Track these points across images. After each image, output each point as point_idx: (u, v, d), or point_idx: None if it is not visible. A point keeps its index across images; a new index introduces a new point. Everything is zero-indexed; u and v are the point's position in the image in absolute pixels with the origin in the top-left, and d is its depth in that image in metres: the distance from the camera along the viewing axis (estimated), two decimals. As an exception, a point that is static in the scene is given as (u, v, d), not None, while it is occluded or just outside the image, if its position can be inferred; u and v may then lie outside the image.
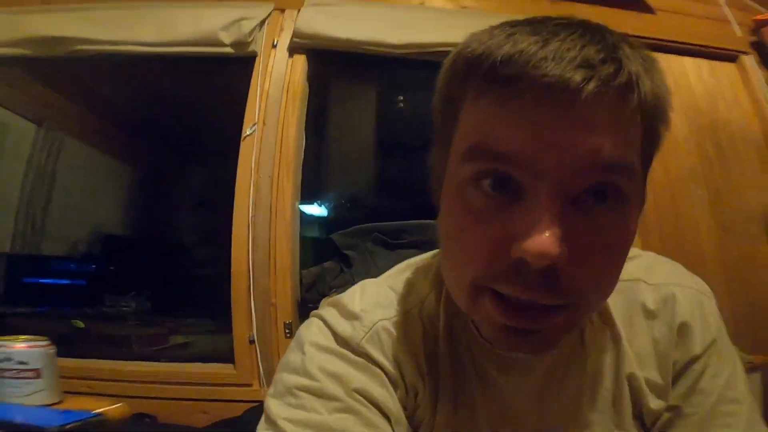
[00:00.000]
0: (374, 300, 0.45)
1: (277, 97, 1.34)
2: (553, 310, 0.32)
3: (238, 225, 1.24)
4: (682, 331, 0.44)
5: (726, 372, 0.44)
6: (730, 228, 1.55)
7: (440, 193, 0.38)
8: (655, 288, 0.46)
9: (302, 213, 1.41)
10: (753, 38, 1.69)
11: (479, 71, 0.31)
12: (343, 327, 0.42)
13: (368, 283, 0.49)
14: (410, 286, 0.47)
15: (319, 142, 1.50)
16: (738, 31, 1.68)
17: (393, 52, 1.39)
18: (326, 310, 0.45)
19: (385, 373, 0.40)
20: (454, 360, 0.43)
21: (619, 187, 0.31)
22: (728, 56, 1.67)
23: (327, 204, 1.55)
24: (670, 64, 1.59)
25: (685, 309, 0.45)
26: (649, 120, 0.33)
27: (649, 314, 0.45)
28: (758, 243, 1.57)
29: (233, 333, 1.22)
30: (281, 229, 1.26)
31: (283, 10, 1.43)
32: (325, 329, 0.43)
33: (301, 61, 1.40)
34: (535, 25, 0.31)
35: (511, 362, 0.42)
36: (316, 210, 1.53)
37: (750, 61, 1.64)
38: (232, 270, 1.22)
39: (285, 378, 0.40)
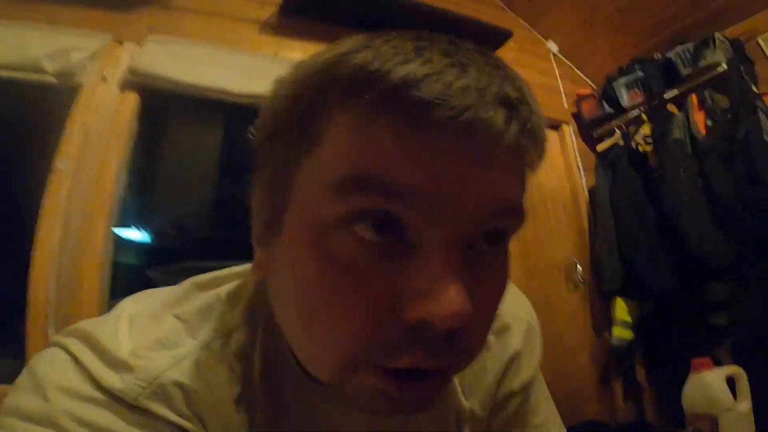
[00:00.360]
0: (152, 338, 0.35)
1: (99, 133, 1.28)
2: (444, 372, 0.29)
3: (40, 255, 1.21)
4: (510, 364, 0.44)
5: (534, 400, 0.47)
6: (534, 275, 1.81)
7: (274, 237, 0.30)
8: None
9: (125, 240, 1.38)
10: (574, 110, 1.93)
11: (376, 85, 0.25)
12: (109, 378, 0.32)
13: (138, 310, 0.37)
14: (207, 313, 0.37)
15: (153, 165, 1.47)
16: (565, 102, 1.91)
17: (237, 101, 1.36)
18: (76, 345, 0.33)
19: (181, 431, 0.33)
20: (273, 402, 0.37)
21: (509, 232, 0.29)
22: (553, 125, 1.90)
23: (154, 232, 1.53)
24: None
25: (517, 342, 0.45)
26: (537, 166, 0.30)
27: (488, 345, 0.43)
28: (558, 287, 1.85)
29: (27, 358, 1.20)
30: (90, 261, 1.24)
31: (121, 42, 1.36)
32: (79, 371, 0.32)
33: (132, 98, 1.34)
34: (443, 44, 0.27)
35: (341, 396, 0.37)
36: (139, 236, 1.50)
37: (569, 130, 1.88)
38: (29, 299, 1.18)
39: (20, 427, 0.29)
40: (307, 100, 0.28)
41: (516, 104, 0.26)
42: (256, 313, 0.37)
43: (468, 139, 0.25)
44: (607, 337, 1.84)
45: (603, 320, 1.86)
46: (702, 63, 1.78)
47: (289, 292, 0.29)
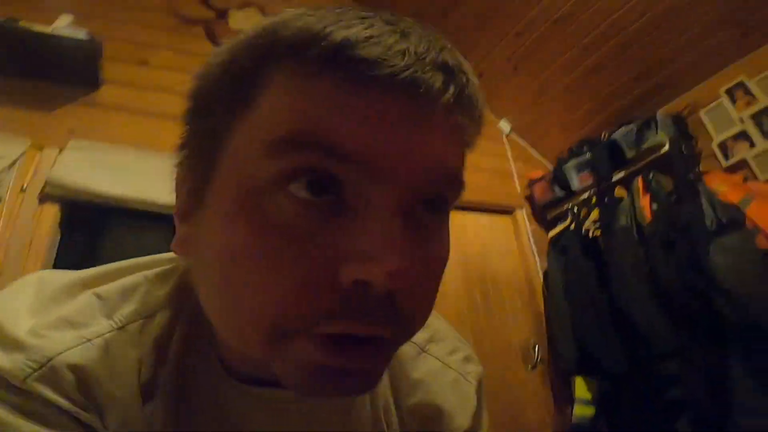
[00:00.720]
0: (59, 314, 0.33)
1: (19, 248, 1.17)
2: (384, 341, 0.26)
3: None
4: (435, 413, 0.43)
5: None
6: (492, 357, 1.78)
7: (199, 208, 0.29)
8: (425, 357, 0.44)
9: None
10: (527, 192, 1.95)
11: (318, 45, 0.24)
12: None
13: (53, 279, 0.35)
14: (131, 293, 0.35)
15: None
16: (518, 185, 1.92)
17: (165, 212, 1.27)
18: None
19: (73, 419, 0.30)
20: (183, 397, 0.34)
21: (448, 201, 0.29)
22: (506, 210, 1.90)
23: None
24: (455, 220, 1.74)
25: (442, 392, 0.43)
26: (474, 139, 0.30)
27: (410, 381, 0.42)
28: (516, 368, 1.83)
29: None
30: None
31: (41, 148, 1.25)
32: None
33: (52, 209, 1.23)
34: (385, 15, 0.27)
35: (266, 402, 0.35)
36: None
37: (523, 214, 1.88)
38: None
39: None
40: (245, 63, 0.27)
41: (454, 71, 0.26)
42: (182, 296, 0.35)
43: (407, 99, 0.25)
44: (569, 415, 1.82)
45: (564, 398, 1.85)
46: (645, 145, 1.83)
47: (215, 261, 0.27)
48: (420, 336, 0.44)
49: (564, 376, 1.84)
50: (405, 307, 0.26)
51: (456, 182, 0.28)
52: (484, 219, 1.83)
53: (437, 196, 0.28)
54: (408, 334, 0.29)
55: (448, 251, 0.30)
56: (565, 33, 1.98)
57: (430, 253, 0.28)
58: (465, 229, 1.76)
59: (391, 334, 0.26)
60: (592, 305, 1.73)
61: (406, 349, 0.43)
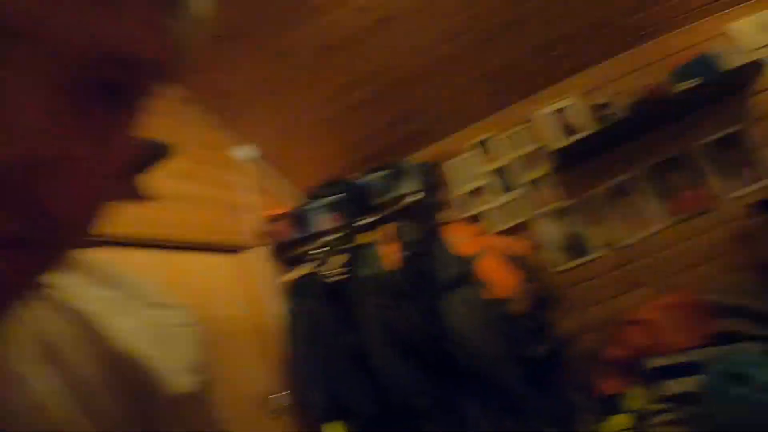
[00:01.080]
0: None
1: None
2: (20, 243, 0.19)
3: None
4: (143, 375, 0.36)
5: None
6: (230, 410, 1.49)
7: None
8: (126, 314, 0.37)
9: None
10: (267, 229, 1.75)
11: None
12: None
13: None
14: None
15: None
16: (253, 222, 1.70)
17: None
18: None
19: None
20: None
21: (131, 91, 0.23)
22: (238, 249, 1.66)
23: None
24: (170, 261, 1.41)
25: (157, 350, 0.38)
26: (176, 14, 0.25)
27: (107, 341, 0.35)
28: (255, 420, 1.61)
29: None
30: None
31: None
32: None
33: None
34: None
35: None
36: None
37: (258, 253, 1.67)
38: None
39: None
40: None
41: None
42: None
43: None
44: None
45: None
46: (394, 192, 1.84)
47: None
48: (115, 292, 0.38)
49: (313, 423, 1.70)
50: (48, 199, 0.19)
51: (138, 70, 0.23)
52: (209, 259, 1.54)
53: (117, 80, 0.22)
54: (56, 239, 0.21)
55: (121, 147, 0.24)
56: (330, 64, 1.87)
57: (97, 139, 0.22)
58: (185, 271, 1.44)
59: (22, 231, 0.19)
60: (336, 350, 1.66)
61: (104, 308, 0.36)
